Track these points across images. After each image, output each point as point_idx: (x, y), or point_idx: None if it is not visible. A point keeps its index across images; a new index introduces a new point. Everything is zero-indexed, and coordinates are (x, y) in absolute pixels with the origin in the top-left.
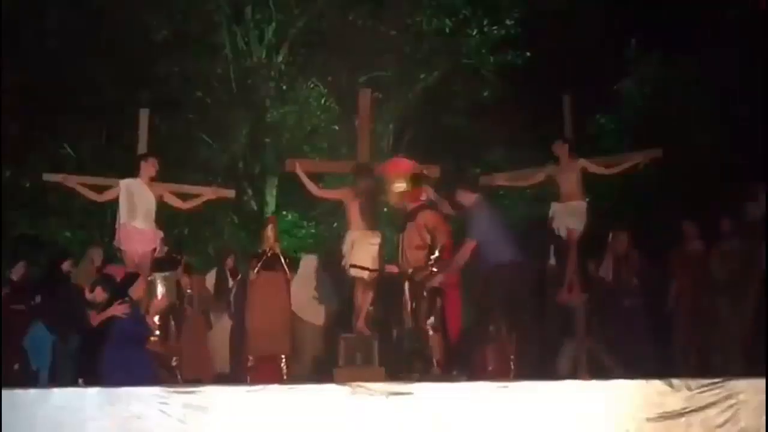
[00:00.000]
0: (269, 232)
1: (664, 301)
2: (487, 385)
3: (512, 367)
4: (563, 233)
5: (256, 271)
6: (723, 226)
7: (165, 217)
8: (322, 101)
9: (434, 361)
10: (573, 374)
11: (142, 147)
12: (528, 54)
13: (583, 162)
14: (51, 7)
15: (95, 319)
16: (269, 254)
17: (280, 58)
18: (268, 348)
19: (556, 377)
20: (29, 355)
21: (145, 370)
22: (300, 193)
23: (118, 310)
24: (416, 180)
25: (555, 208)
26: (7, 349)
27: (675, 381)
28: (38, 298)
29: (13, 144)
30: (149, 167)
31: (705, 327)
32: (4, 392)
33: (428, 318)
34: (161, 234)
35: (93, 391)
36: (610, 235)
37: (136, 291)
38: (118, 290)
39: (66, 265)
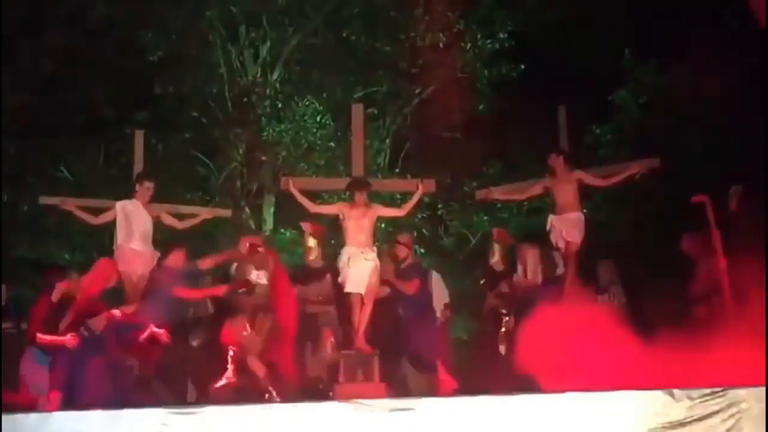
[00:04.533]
0: (311, 243)
1: None
2: (488, 399)
3: None
4: (561, 245)
5: None
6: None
7: (162, 237)
8: (318, 118)
9: None
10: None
11: (138, 168)
12: (522, 66)
13: (579, 174)
14: (48, 29)
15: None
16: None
17: (275, 76)
18: None
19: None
20: (27, 380)
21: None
22: (297, 211)
23: (69, 341)
24: None
25: (552, 220)
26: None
27: (676, 391)
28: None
29: (10, 166)
30: (144, 190)
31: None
32: (4, 417)
33: None
34: (159, 255)
35: (94, 414)
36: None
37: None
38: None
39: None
